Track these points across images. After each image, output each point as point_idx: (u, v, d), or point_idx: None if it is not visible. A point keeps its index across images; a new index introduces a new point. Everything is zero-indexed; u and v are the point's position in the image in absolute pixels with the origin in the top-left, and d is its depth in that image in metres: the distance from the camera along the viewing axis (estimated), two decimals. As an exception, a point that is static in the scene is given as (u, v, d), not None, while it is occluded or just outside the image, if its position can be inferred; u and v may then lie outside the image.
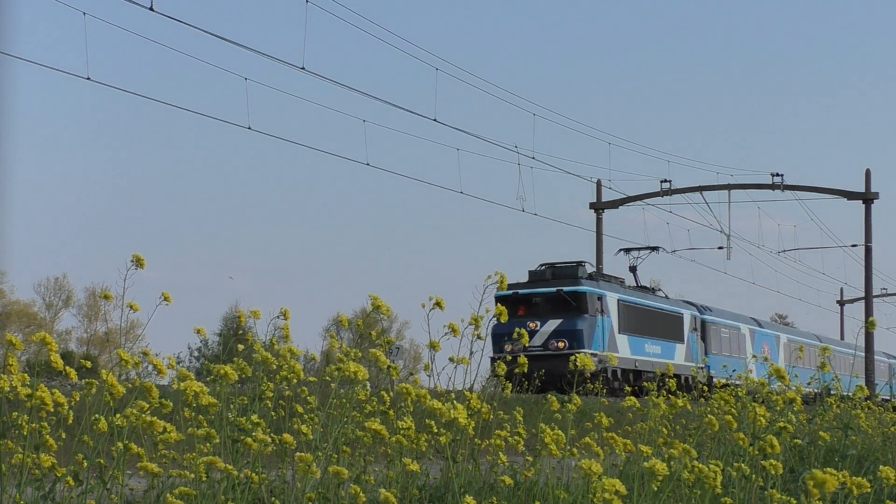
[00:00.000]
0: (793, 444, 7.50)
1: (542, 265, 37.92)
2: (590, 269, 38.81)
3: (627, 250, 44.60)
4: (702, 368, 42.08)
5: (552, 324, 36.18)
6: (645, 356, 39.78)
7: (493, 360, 35.87)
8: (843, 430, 8.03)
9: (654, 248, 44.63)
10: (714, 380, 43.49)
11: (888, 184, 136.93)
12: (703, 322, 45.59)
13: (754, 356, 53.52)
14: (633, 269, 44.53)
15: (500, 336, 35.84)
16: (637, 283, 43.61)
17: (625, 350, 38.65)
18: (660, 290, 44.56)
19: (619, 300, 38.97)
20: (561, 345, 35.86)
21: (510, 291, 36.61)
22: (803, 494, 3.50)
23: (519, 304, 36.64)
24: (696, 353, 43.46)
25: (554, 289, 36.68)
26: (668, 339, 42.08)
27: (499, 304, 40.56)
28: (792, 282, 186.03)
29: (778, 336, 54.57)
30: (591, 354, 33.92)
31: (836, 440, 8.08)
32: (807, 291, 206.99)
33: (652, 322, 41.08)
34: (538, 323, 36.22)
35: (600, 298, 37.49)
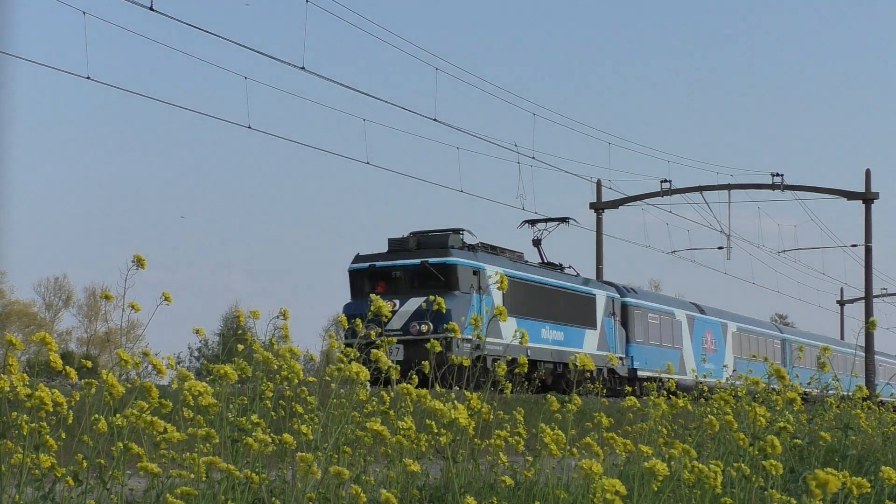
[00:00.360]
0: (792, 444, 7.50)
1: (411, 233, 31.90)
2: (470, 238, 32.49)
3: (533, 222, 38.07)
4: (622, 359, 37.42)
5: (414, 303, 29.53)
6: (540, 343, 33.13)
7: (346, 346, 31.68)
8: (844, 431, 8.03)
9: (564, 220, 38.04)
10: (638, 373, 38.15)
11: (888, 184, 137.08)
12: (625, 305, 39.41)
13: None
14: (536, 243, 38.10)
15: (353, 318, 31.11)
16: (543, 259, 37.43)
17: (512, 335, 32.90)
18: (570, 267, 38.08)
19: (504, 276, 33.72)
20: (424, 328, 29.18)
21: (366, 264, 30.84)
22: (804, 494, 3.50)
23: (377, 278, 30.62)
24: (614, 341, 37.71)
25: (418, 260, 30.30)
26: (575, 323, 35.67)
27: (353, 278, 31.14)
28: (792, 282, 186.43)
29: (725, 324, 47.86)
30: (464, 340, 29.05)
31: (837, 440, 8.08)
32: (807, 291, 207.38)
33: (552, 303, 34.55)
34: (397, 302, 29.51)
35: (477, 273, 31.00)
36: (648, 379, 37.70)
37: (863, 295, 52.78)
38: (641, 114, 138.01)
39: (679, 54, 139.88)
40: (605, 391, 30.86)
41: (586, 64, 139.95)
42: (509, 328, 31.70)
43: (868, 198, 49.57)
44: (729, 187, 49.88)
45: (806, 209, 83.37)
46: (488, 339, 30.13)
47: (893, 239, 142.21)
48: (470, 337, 31.12)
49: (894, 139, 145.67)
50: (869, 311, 51.28)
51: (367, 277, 30.37)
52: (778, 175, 49.18)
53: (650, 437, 6.11)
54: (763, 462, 4.84)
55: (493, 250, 33.16)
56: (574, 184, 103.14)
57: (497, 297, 31.36)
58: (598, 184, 49.51)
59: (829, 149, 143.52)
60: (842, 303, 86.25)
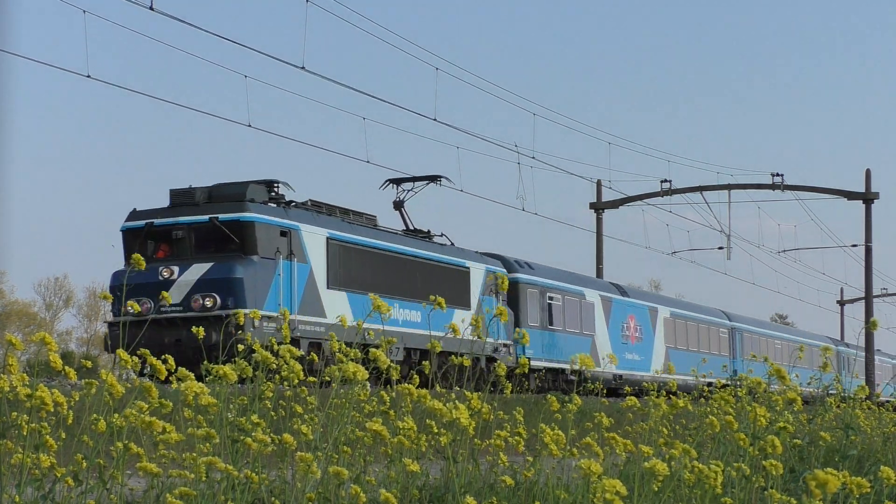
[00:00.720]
0: (792, 444, 7.50)
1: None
2: (288, 193, 25.98)
3: (397, 181, 31.26)
4: (506, 346, 30.85)
5: (197, 270, 23.37)
6: (385, 324, 24.66)
7: (110, 325, 24.05)
8: (844, 431, 8.03)
9: (434, 178, 31.21)
10: (532, 363, 31.12)
11: (888, 184, 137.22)
12: (515, 283, 32.90)
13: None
14: (398, 206, 31.14)
15: (121, 290, 24.08)
16: (407, 225, 30.77)
17: (340, 313, 24.48)
18: (441, 235, 31.07)
19: (329, 239, 25.63)
20: (209, 302, 23.00)
21: (142, 222, 24.16)
22: (804, 494, 3.50)
23: (156, 239, 24.26)
24: (496, 324, 28.97)
25: (206, 217, 23.81)
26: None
27: (126, 240, 24.78)
28: (792, 282, 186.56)
29: (654, 309, 41.67)
30: (266, 318, 22.91)
31: (837, 440, 8.08)
32: (807, 291, 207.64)
33: (405, 277, 27.98)
34: (176, 269, 23.45)
35: (287, 234, 24.38)
36: (550, 371, 33.22)
37: (863, 295, 52.79)
38: (641, 114, 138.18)
39: (679, 54, 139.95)
40: (486, 384, 25.57)
41: (586, 64, 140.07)
42: (336, 305, 25.41)
43: (868, 198, 49.59)
44: (729, 187, 49.91)
45: (806, 209, 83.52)
46: (303, 318, 24.23)
47: (893, 239, 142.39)
48: (275, 314, 23.21)
49: (894, 139, 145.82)
50: (869, 311, 51.30)
51: (145, 238, 23.98)
52: (778, 175, 49.23)
53: (650, 438, 6.11)
54: (763, 462, 4.83)
55: (321, 208, 26.79)
56: (574, 184, 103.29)
57: (319, 267, 25.14)
58: (598, 184, 49.55)
59: (829, 149, 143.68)
60: (842, 303, 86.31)
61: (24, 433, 4.56)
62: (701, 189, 50.03)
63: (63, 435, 5.61)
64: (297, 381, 4.90)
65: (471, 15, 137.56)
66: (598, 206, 49.90)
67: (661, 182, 49.74)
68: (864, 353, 60.63)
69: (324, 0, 27.86)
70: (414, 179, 31.28)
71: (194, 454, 5.46)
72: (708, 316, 46.66)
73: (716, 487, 4.65)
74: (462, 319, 28.53)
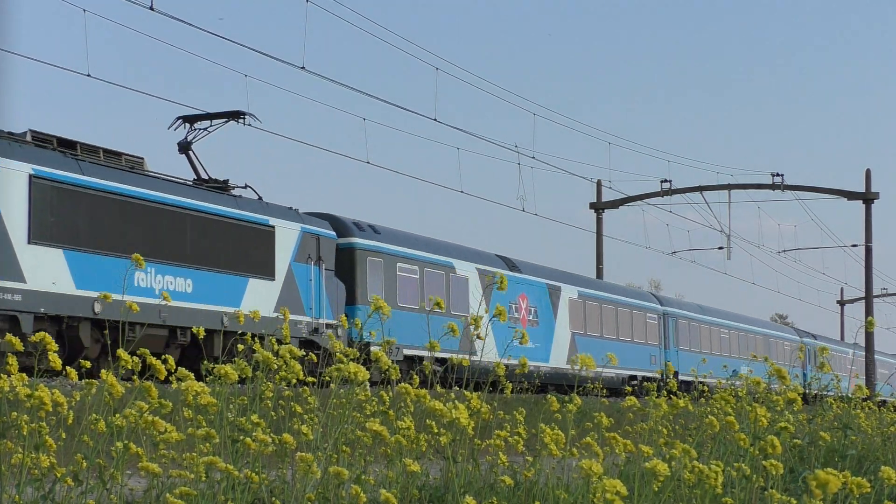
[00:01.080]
0: (792, 444, 7.51)
1: None
2: None
3: (191, 119, 25.39)
4: (332, 327, 25.43)
5: None
6: (129, 294, 20.45)
7: None
8: (843, 430, 8.04)
9: (236, 115, 25.21)
10: (372, 348, 27.49)
11: (888, 184, 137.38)
12: (349, 249, 27.09)
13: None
14: (184, 148, 25.16)
15: None
16: (198, 173, 24.84)
17: (50, 277, 19.17)
18: (246, 187, 25.17)
19: (34, 177, 19.06)
20: None
21: None
22: (804, 494, 3.50)
23: None
24: (316, 299, 25.26)
25: None
26: (225, 268, 22.96)
27: None
28: (792, 282, 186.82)
29: (556, 288, 35.04)
30: None
31: (836, 440, 8.08)
32: (807, 291, 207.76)
33: (173, 234, 21.96)
34: None
35: None
36: (406, 359, 27.43)
37: (863, 295, 52.81)
38: (641, 114, 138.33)
39: (679, 55, 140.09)
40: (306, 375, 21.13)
41: (586, 64, 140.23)
42: (43, 265, 19.13)
43: (868, 198, 49.61)
44: (729, 187, 49.95)
45: (806, 209, 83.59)
46: None
47: (893, 239, 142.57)
48: None
49: (894, 139, 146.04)
50: (869, 311, 51.34)
51: None
52: (778, 175, 49.27)
53: (650, 438, 6.11)
54: (763, 462, 4.83)
55: (51, 143, 20.42)
56: (574, 184, 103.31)
57: (13, 211, 18.70)
58: (598, 184, 49.58)
59: (829, 149, 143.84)
60: (842, 303, 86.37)
61: (24, 433, 4.56)
62: (701, 189, 50.07)
63: (63, 435, 5.61)
64: (295, 381, 4.90)
65: (471, 15, 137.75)
66: (598, 206, 49.93)
67: (661, 182, 49.81)
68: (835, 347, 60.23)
69: (324, 0, 27.85)
70: (211, 117, 25.25)
71: (194, 454, 5.46)
72: (630, 298, 40.57)
73: (716, 487, 4.65)
74: (261, 292, 23.98)
